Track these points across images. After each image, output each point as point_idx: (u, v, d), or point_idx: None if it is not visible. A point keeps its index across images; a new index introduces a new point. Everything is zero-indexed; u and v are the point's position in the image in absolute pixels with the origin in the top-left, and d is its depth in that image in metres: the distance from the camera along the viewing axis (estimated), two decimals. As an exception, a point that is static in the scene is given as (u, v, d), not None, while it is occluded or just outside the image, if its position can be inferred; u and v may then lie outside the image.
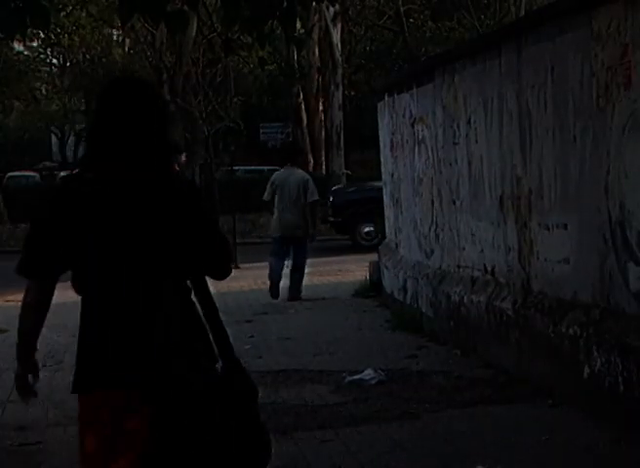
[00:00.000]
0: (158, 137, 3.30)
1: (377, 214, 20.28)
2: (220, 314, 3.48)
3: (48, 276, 3.35)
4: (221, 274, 3.40)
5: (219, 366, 3.36)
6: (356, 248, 19.54)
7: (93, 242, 3.23)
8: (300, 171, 13.11)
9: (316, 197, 12.78)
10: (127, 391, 3.17)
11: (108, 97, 3.31)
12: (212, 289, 3.51)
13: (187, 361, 3.21)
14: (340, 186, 22.37)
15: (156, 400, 3.15)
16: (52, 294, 3.43)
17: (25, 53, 37.76)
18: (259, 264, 18.33)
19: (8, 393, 7.75)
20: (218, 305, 3.50)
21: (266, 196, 12.86)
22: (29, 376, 3.44)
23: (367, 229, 20.41)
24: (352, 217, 20.32)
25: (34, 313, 3.50)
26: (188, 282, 3.37)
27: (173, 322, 3.23)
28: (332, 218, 20.73)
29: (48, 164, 44.25)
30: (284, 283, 12.74)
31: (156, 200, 3.25)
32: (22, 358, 3.44)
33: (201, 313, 3.38)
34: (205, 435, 3.15)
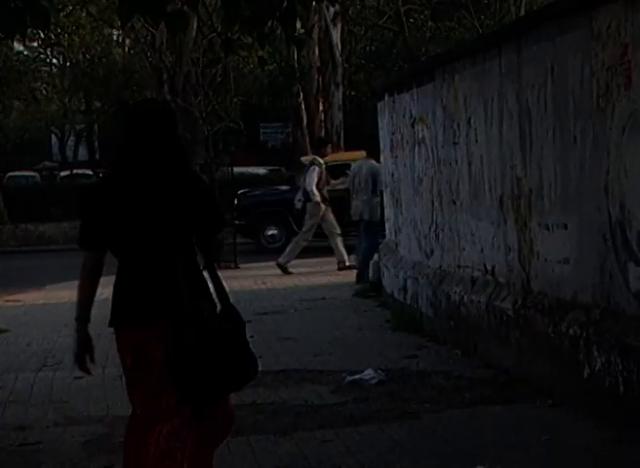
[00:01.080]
0: (172, 147, 4.45)
1: (281, 217, 20.54)
2: None
3: (99, 247, 4.42)
4: (218, 230, 4.65)
5: (218, 308, 4.46)
6: (260, 251, 19.86)
7: (127, 220, 4.36)
8: (374, 162, 13.96)
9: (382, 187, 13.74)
10: (148, 327, 4.32)
11: (138, 117, 4.52)
12: (214, 289, 4.44)
13: (193, 304, 4.29)
14: (245, 190, 22.60)
15: (171, 330, 4.24)
16: (103, 263, 4.46)
17: (25, 53, 37.68)
18: (258, 264, 18.35)
19: (8, 393, 7.76)
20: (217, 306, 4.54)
21: (347, 184, 14.56)
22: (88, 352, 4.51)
23: (271, 232, 20.81)
24: (257, 220, 20.61)
25: (89, 279, 4.43)
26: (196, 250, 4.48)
27: (182, 279, 4.31)
28: (237, 221, 21.06)
29: (48, 164, 44.20)
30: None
31: (171, 191, 4.39)
32: (80, 331, 4.50)
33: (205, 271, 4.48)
34: (208, 353, 4.23)
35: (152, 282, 4.35)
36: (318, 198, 15.88)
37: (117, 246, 4.42)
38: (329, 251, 16.39)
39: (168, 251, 4.35)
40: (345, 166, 20.17)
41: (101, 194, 4.47)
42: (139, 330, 4.34)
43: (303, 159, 21.73)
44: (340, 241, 16.14)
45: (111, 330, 4.48)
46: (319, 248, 17.29)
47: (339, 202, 18.02)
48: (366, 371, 7.58)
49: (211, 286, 4.49)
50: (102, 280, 4.48)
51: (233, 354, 4.30)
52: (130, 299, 4.38)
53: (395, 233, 11.69)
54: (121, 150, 4.53)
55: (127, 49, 39.08)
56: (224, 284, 4.49)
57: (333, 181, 19.99)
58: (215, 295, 4.46)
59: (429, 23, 35.33)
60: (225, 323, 4.35)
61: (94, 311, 4.49)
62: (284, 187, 23.04)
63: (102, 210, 4.38)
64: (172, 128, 4.46)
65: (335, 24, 30.15)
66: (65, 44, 35.01)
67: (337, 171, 19.75)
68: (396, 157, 11.28)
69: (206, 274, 4.49)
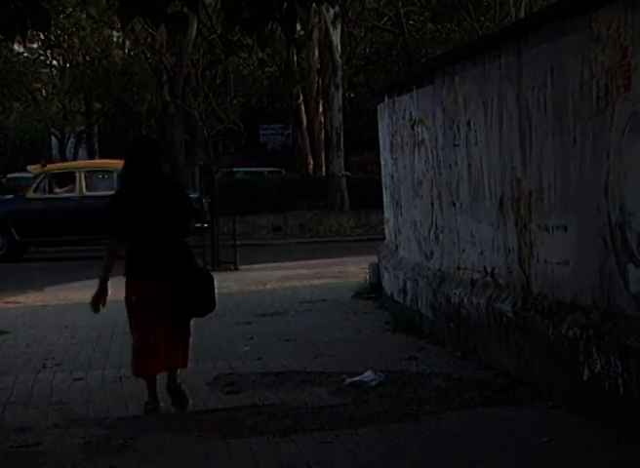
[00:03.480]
0: (157, 167, 7.09)
1: (1, 226, 21.39)
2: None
3: (118, 233, 7.04)
4: (190, 228, 7.26)
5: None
6: None
7: (134, 216, 6.96)
8: None
9: None
10: (146, 279, 6.91)
11: (135, 149, 7.31)
12: None
13: (178, 267, 6.97)
14: None
15: (166, 282, 6.88)
16: (119, 244, 7.05)
17: (25, 54, 37.69)
18: (258, 266, 18.35)
19: (8, 394, 7.76)
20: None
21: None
22: (102, 298, 6.98)
23: None
24: None
25: (111, 254, 7.06)
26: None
27: (171, 252, 6.98)
28: None
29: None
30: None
31: (162, 195, 7.03)
32: (101, 284, 6.97)
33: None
34: (189, 294, 6.96)
35: (148, 253, 6.96)
36: None
37: (128, 232, 6.99)
38: (328, 252, 16.39)
39: (159, 233, 6.98)
40: (70, 175, 21.72)
41: (118, 201, 7.13)
42: (140, 280, 6.94)
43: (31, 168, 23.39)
44: None
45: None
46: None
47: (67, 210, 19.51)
48: (366, 373, 7.58)
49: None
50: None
51: (206, 294, 7.13)
52: (135, 263, 6.97)
53: (395, 235, 11.69)
54: (125, 171, 7.18)
55: (127, 50, 39.08)
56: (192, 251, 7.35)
57: (57, 189, 21.30)
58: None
59: (429, 25, 35.36)
60: (201, 276, 7.17)
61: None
62: (8, 196, 23.80)
63: (120, 210, 7.02)
64: (156, 155, 7.16)
65: (335, 26, 30.12)
66: (65, 45, 35.02)
67: (61, 179, 21.14)
68: (396, 159, 11.29)
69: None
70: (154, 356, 6.91)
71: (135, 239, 6.98)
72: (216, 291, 7.18)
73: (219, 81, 30.49)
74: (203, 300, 7.10)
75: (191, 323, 7.22)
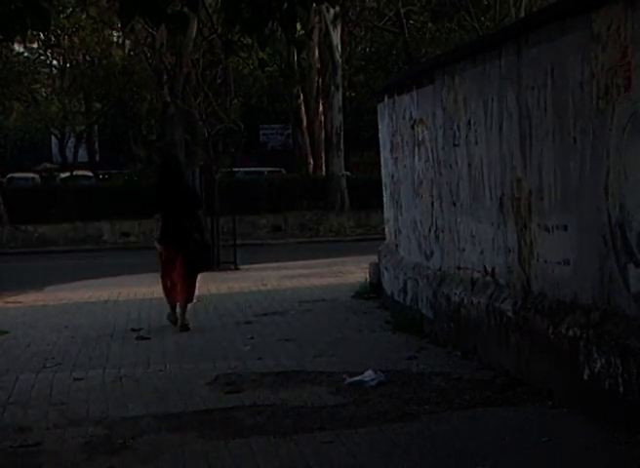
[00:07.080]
0: (178, 173, 11.45)
1: None
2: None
3: (158, 211, 11.10)
4: (199, 208, 11.62)
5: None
6: None
7: (165, 199, 11.06)
8: None
9: None
10: (171, 244, 11.02)
11: (165, 164, 12.25)
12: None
13: (193, 236, 11.00)
14: None
15: (184, 245, 10.97)
16: (160, 217, 11.11)
17: (25, 54, 37.69)
18: (258, 266, 18.36)
19: (8, 394, 7.75)
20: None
21: None
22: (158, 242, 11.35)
23: None
24: None
25: (158, 223, 11.09)
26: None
27: (189, 225, 11.00)
28: None
29: (48, 165, 44.20)
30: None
31: (183, 188, 11.34)
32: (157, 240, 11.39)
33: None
34: (196, 252, 11.04)
35: (174, 226, 10.81)
36: None
37: (162, 211, 10.88)
38: (329, 252, 16.26)
39: (180, 214, 10.85)
40: None
41: (156, 191, 11.21)
42: (167, 244, 10.92)
43: None
44: None
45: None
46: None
47: None
48: (366, 373, 7.58)
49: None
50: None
51: (206, 255, 11.32)
52: (163, 234, 10.89)
53: (395, 234, 11.69)
54: (157, 177, 11.63)
55: (127, 50, 39.08)
56: (204, 226, 11.85)
57: None
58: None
59: (429, 25, 35.39)
60: (203, 242, 11.23)
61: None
62: None
63: (158, 198, 11.04)
64: (179, 167, 11.61)
65: (335, 26, 30.14)
66: (65, 45, 35.04)
67: None
68: (396, 158, 11.29)
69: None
70: (171, 290, 11.07)
71: (164, 218, 10.91)
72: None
73: (219, 81, 30.47)
74: (200, 261, 11.09)
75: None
